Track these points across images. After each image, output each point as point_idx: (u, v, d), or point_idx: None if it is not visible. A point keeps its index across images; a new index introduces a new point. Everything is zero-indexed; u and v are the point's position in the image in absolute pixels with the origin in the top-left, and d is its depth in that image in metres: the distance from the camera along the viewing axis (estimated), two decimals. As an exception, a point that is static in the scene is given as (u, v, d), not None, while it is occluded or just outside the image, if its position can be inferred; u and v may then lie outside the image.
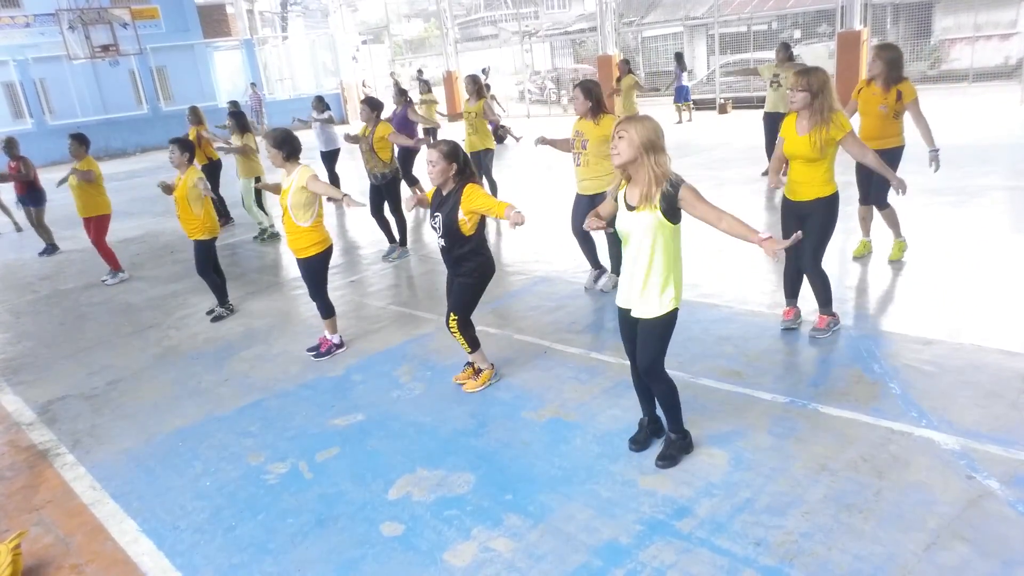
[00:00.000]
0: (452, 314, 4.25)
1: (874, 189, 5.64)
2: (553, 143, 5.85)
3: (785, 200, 4.56)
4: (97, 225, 7.83)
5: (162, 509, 3.53)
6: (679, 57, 16.27)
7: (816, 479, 3.18)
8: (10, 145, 9.47)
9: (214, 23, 28.99)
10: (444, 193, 4.09)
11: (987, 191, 7.62)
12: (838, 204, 4.41)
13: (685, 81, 16.66)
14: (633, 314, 3.22)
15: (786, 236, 4.43)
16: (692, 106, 17.21)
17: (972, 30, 17.87)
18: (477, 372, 4.43)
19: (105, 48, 20.83)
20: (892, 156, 5.52)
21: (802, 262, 4.50)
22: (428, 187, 4.34)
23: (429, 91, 14.14)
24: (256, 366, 5.19)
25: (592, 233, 5.79)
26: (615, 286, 5.90)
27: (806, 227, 4.37)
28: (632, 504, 3.15)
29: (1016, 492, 2.96)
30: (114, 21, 21.08)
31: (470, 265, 4.15)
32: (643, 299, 3.17)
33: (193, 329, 6.14)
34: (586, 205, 5.72)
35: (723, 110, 18.07)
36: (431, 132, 13.00)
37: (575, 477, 3.40)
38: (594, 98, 5.40)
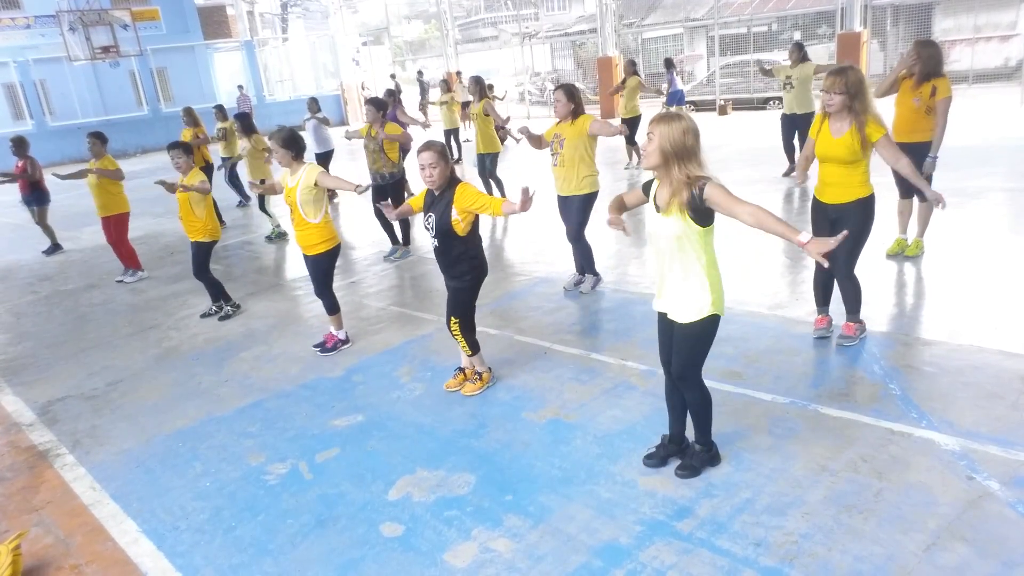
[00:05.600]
0: (452, 317, 4.25)
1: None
2: (529, 137, 5.89)
3: (816, 202, 4.40)
4: (117, 223, 7.87)
5: (162, 510, 3.54)
6: (669, 63, 16.30)
7: (816, 480, 3.18)
8: (19, 145, 9.50)
9: (214, 24, 29.04)
10: (436, 193, 4.07)
11: (987, 192, 7.63)
12: (874, 206, 4.26)
13: (680, 85, 16.64)
14: (670, 317, 3.11)
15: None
16: (685, 109, 17.15)
17: (972, 32, 17.88)
18: (477, 376, 4.41)
19: (105, 49, 20.87)
20: (926, 151, 5.49)
21: (834, 267, 4.31)
22: (417, 189, 4.33)
23: (449, 90, 14.15)
24: (256, 367, 5.19)
25: (587, 238, 5.86)
26: (594, 287, 5.96)
27: (838, 230, 4.27)
28: (632, 505, 3.15)
29: (1016, 493, 2.96)
30: (114, 22, 21.12)
31: (463, 267, 4.14)
32: (677, 304, 3.05)
33: (193, 330, 6.15)
34: (563, 207, 5.76)
35: (723, 111, 18.07)
36: (453, 133, 13.05)
37: (575, 478, 3.40)
38: (576, 101, 5.47)
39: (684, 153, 2.87)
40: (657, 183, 3.06)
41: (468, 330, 4.30)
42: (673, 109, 16.80)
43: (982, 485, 3.03)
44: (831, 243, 2.71)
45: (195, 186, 5.88)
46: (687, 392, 3.22)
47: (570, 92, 5.48)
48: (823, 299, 4.61)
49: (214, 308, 6.39)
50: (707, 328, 3.06)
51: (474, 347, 4.35)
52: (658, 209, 3.02)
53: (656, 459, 3.40)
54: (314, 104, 11.44)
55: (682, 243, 2.95)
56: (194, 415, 4.52)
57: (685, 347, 3.12)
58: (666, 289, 3.10)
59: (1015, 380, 3.82)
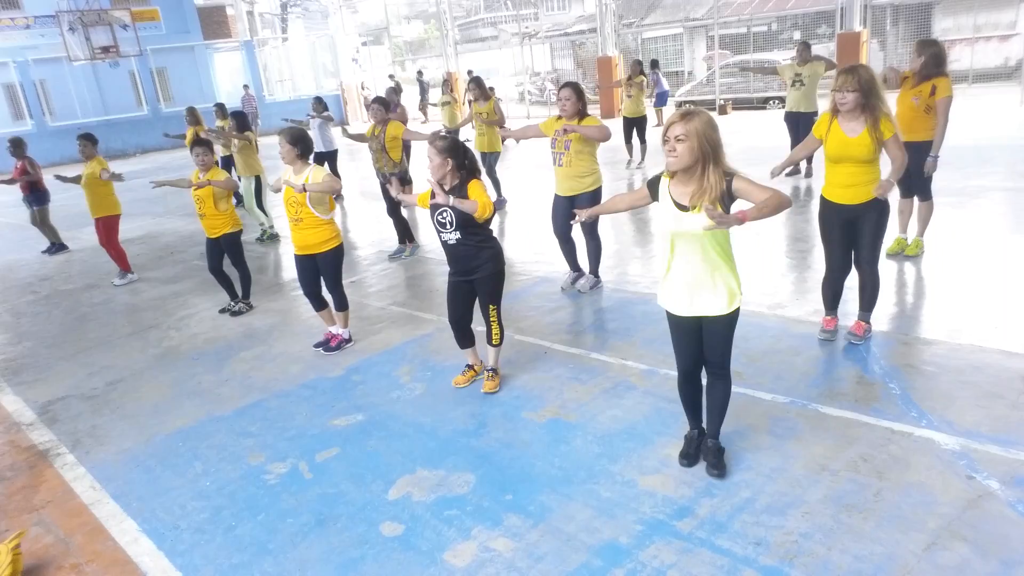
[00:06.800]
0: (491, 305, 4.23)
1: (917, 180, 5.64)
2: (517, 134, 5.86)
3: (830, 204, 4.33)
4: (107, 225, 7.84)
5: (162, 509, 3.54)
6: (655, 64, 16.45)
7: (816, 479, 3.18)
8: (17, 146, 9.49)
9: (214, 24, 29.03)
10: (447, 189, 4.05)
11: (987, 192, 7.63)
12: (889, 202, 4.27)
13: (665, 86, 16.79)
14: (704, 313, 3.09)
15: (827, 241, 4.44)
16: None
17: (972, 31, 17.89)
18: (493, 372, 4.39)
19: (105, 49, 20.89)
20: (924, 150, 5.45)
21: (860, 263, 4.36)
22: (418, 186, 4.33)
23: (451, 91, 14.32)
24: (256, 366, 5.19)
25: (573, 235, 5.87)
26: (593, 287, 5.96)
27: (859, 229, 4.26)
28: (632, 504, 3.15)
29: (1016, 492, 2.96)
30: (114, 23, 21.14)
31: (486, 255, 4.10)
32: (711, 299, 3.05)
33: (193, 330, 6.15)
34: (565, 206, 5.72)
35: (723, 111, 18.07)
36: (454, 133, 13.14)
37: (575, 477, 3.40)
38: (583, 101, 5.47)
39: (716, 147, 2.88)
40: (669, 181, 3.03)
41: (501, 317, 4.31)
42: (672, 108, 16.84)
43: (982, 485, 3.03)
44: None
45: (222, 182, 5.94)
46: (723, 382, 3.25)
47: (579, 91, 5.45)
48: (832, 303, 4.60)
49: (243, 305, 6.42)
50: (737, 314, 3.13)
51: (503, 336, 4.36)
52: (681, 207, 2.97)
53: (691, 458, 3.39)
54: (319, 104, 11.45)
55: (709, 237, 2.96)
56: (194, 415, 4.52)
57: (726, 336, 3.14)
58: (693, 289, 3.07)
59: (1015, 380, 3.82)
